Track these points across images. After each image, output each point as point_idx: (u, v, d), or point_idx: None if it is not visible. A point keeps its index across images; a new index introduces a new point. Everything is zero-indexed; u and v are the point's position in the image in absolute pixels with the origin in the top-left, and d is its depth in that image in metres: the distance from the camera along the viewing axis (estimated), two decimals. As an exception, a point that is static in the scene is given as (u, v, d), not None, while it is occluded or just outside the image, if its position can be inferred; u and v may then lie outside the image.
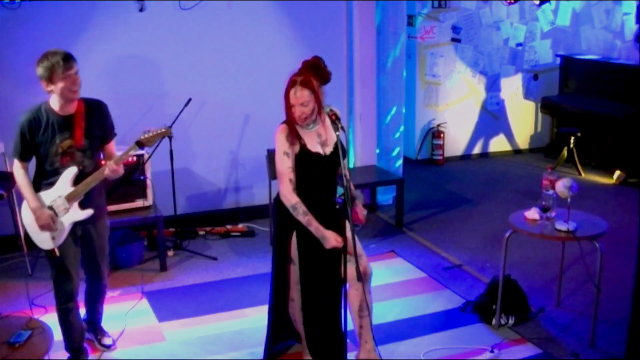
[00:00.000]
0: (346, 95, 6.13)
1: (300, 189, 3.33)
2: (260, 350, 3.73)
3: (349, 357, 3.36)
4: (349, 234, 3.18)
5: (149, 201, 5.06)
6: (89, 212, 3.46)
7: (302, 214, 3.27)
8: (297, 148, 3.33)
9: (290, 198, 3.30)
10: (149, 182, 5.04)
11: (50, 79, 3.22)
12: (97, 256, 3.67)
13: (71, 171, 3.39)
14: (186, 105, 5.21)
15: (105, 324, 4.01)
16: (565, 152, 7.53)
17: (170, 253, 5.28)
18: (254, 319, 4.18)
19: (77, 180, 3.40)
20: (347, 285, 3.34)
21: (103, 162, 3.49)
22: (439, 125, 7.94)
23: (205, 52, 5.62)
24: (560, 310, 4.36)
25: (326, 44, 5.81)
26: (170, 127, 4.67)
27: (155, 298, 4.56)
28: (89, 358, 3.79)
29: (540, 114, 8.39)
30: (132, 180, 4.92)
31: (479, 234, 5.73)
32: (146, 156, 5.00)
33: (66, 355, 3.68)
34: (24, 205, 3.44)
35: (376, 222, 6.07)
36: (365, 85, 6.13)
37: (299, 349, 3.71)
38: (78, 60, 3.32)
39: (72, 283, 3.52)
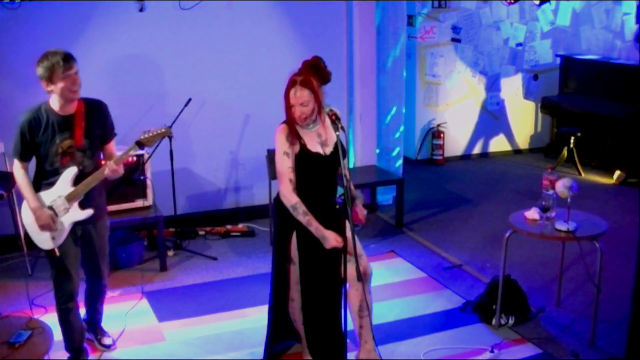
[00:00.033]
0: (346, 95, 6.13)
1: (300, 189, 3.33)
2: (260, 350, 3.73)
3: (349, 357, 3.36)
4: (349, 234, 3.18)
5: (149, 201, 5.06)
6: (89, 212, 3.46)
7: (302, 214, 3.27)
8: (297, 148, 3.32)
9: (290, 198, 3.30)
10: (149, 182, 5.04)
11: (50, 79, 3.22)
12: (97, 256, 3.67)
13: (71, 171, 3.39)
14: (186, 105, 5.21)
15: (105, 324, 4.00)
16: (565, 152, 7.52)
17: (170, 253, 5.28)
18: (254, 319, 4.18)
19: (77, 180, 3.40)
20: (347, 285, 3.34)
21: (103, 162, 3.49)
22: (439, 125, 7.94)
23: (205, 52, 5.62)
24: (560, 310, 4.36)
25: (326, 44, 5.81)
26: (170, 127, 4.67)
27: (155, 298, 4.56)
28: (89, 358, 3.79)
29: (540, 114, 8.38)
30: (132, 180, 4.92)
31: (479, 234, 5.73)
32: (146, 156, 5.00)
33: (66, 355, 3.68)
34: (24, 205, 3.43)
35: (376, 222, 6.07)
36: (365, 85, 6.13)
37: (299, 349, 3.71)
38: (78, 60, 3.32)
39: (72, 283, 3.52)
